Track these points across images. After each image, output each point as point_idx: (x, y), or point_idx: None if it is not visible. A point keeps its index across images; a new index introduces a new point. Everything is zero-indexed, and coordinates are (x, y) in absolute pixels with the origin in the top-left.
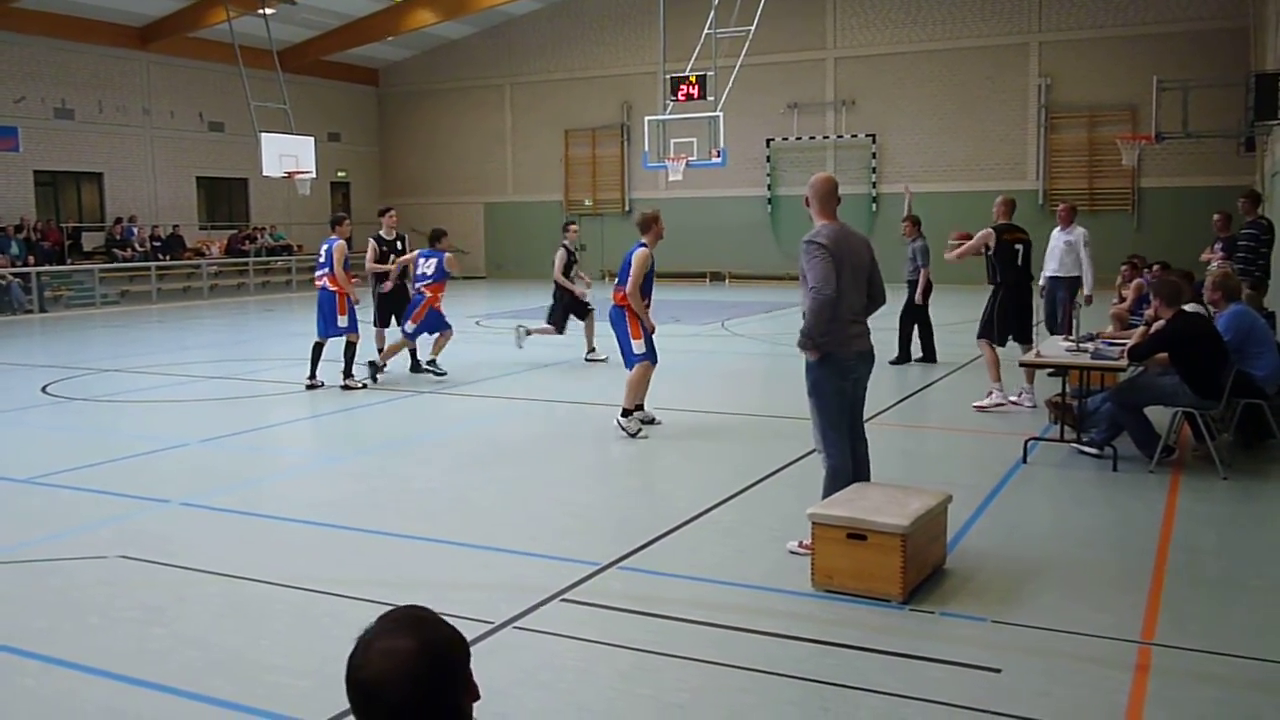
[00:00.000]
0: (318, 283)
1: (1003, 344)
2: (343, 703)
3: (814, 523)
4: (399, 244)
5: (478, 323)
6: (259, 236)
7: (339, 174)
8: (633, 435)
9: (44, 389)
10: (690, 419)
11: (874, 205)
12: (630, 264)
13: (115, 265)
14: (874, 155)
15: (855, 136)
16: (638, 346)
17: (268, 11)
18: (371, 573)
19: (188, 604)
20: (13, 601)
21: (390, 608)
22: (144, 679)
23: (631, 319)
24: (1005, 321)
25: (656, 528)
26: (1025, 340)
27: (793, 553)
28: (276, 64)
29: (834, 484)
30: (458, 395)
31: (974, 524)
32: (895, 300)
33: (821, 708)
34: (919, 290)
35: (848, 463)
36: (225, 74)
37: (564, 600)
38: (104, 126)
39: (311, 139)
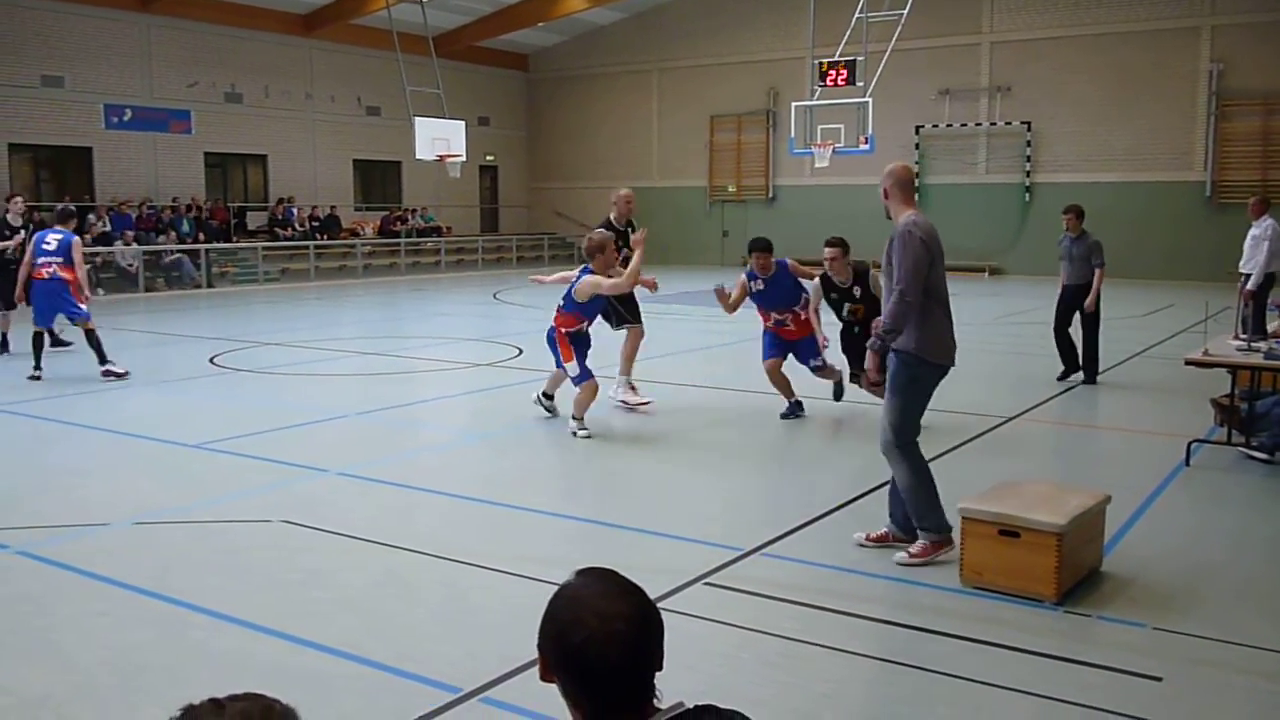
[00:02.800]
0: (45, 271)
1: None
2: (492, 671)
3: (964, 518)
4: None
5: None
6: (410, 218)
7: (487, 158)
8: (581, 435)
9: (211, 360)
10: (837, 407)
11: (1027, 195)
12: (574, 288)
13: (277, 244)
14: (1028, 144)
15: (1009, 124)
16: (571, 369)
17: None
18: (518, 549)
19: (346, 570)
20: (185, 560)
21: (569, 574)
22: (307, 639)
23: (562, 342)
24: None
25: (801, 515)
26: None
27: (861, 545)
28: (431, 49)
29: (920, 483)
30: (602, 377)
31: (1133, 526)
32: (1032, 299)
33: (975, 706)
34: (1093, 294)
35: (924, 460)
36: (382, 60)
37: (708, 584)
38: (269, 111)
39: (462, 123)
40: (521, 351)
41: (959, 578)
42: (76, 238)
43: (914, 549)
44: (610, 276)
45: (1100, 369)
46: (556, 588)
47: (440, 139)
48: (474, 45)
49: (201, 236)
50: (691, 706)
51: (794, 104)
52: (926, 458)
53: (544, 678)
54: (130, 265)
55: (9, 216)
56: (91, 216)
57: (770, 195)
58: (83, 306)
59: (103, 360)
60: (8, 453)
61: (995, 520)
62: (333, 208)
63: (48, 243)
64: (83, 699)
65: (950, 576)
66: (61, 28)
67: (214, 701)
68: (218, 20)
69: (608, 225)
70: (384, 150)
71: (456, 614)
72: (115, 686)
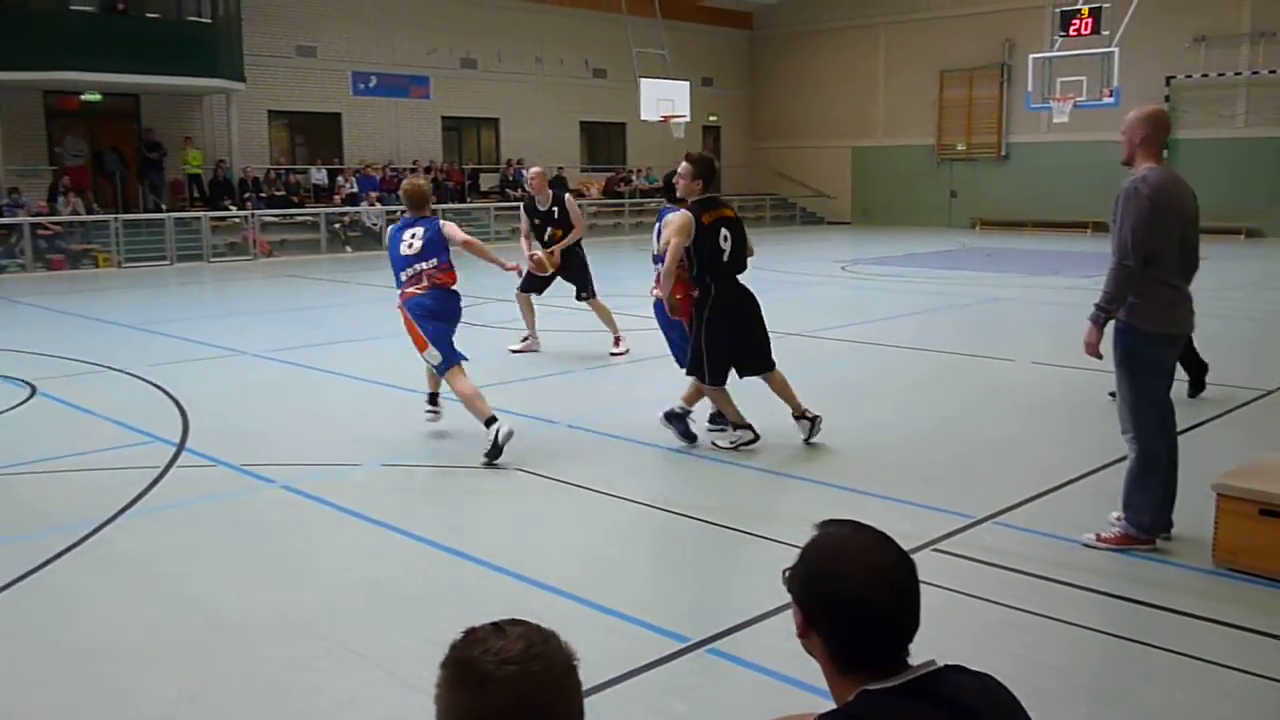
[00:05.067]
0: None
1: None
2: (721, 623)
3: (1219, 494)
4: None
5: (843, 268)
6: (634, 178)
7: (710, 118)
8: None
9: None
10: (1076, 375)
11: None
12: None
13: (507, 204)
14: None
15: (1273, 73)
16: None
17: None
18: (734, 503)
19: (577, 518)
20: (429, 501)
21: (811, 529)
22: (539, 580)
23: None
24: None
25: (1037, 485)
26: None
27: (1088, 545)
28: (657, 10)
29: (1145, 473)
30: (819, 339)
31: None
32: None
33: (1221, 693)
34: None
35: (1164, 447)
36: (609, 22)
37: (935, 550)
38: (501, 75)
39: (687, 83)
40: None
41: (1210, 558)
42: None
43: (1107, 533)
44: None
45: None
46: (809, 541)
47: (665, 100)
48: (699, 5)
49: (438, 197)
50: (942, 665)
51: (1031, 56)
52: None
53: (802, 634)
54: (374, 225)
55: None
56: (340, 178)
57: (1003, 153)
58: None
59: None
60: (275, 396)
61: (1257, 499)
62: (560, 168)
63: None
64: (340, 623)
65: (1200, 555)
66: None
67: (495, 625)
68: None
69: (529, 204)
70: (610, 112)
71: (684, 566)
72: (367, 613)
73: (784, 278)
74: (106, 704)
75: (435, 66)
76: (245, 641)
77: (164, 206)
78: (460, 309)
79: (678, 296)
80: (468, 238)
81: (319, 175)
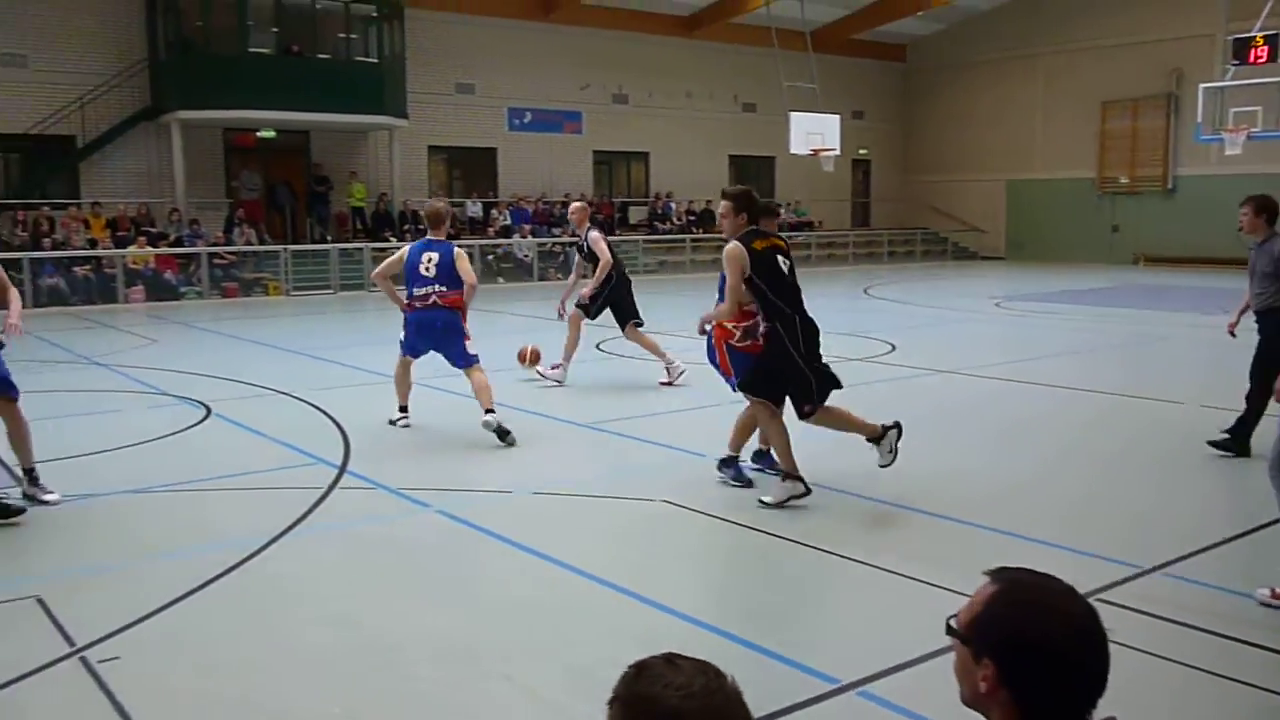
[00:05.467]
0: None
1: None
2: (869, 667)
3: None
4: None
5: (997, 304)
6: (781, 212)
7: (860, 151)
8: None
9: (598, 346)
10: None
11: None
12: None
13: (656, 237)
14: None
15: None
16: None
17: None
18: (894, 546)
19: (720, 551)
20: (576, 529)
21: (983, 582)
22: (680, 610)
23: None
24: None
25: (1209, 535)
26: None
27: (1264, 604)
28: (809, 44)
29: None
30: (976, 376)
31: None
32: None
33: None
34: None
35: None
36: (759, 56)
37: (1100, 599)
38: (652, 110)
39: (837, 117)
40: (894, 347)
41: None
42: None
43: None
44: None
45: None
46: (995, 591)
47: (814, 133)
48: (851, 38)
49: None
50: None
51: (1202, 86)
52: None
53: (990, 690)
54: (526, 256)
55: None
56: (494, 211)
57: (1169, 186)
58: None
59: None
60: (430, 422)
61: None
62: (708, 202)
63: None
64: (491, 646)
65: None
66: (473, 39)
67: (665, 659)
68: (608, 25)
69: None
70: (758, 145)
71: (832, 605)
72: (517, 637)
73: (938, 314)
74: (267, 718)
75: (588, 102)
76: (400, 661)
77: (329, 238)
78: (454, 325)
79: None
80: (473, 282)
81: (474, 208)
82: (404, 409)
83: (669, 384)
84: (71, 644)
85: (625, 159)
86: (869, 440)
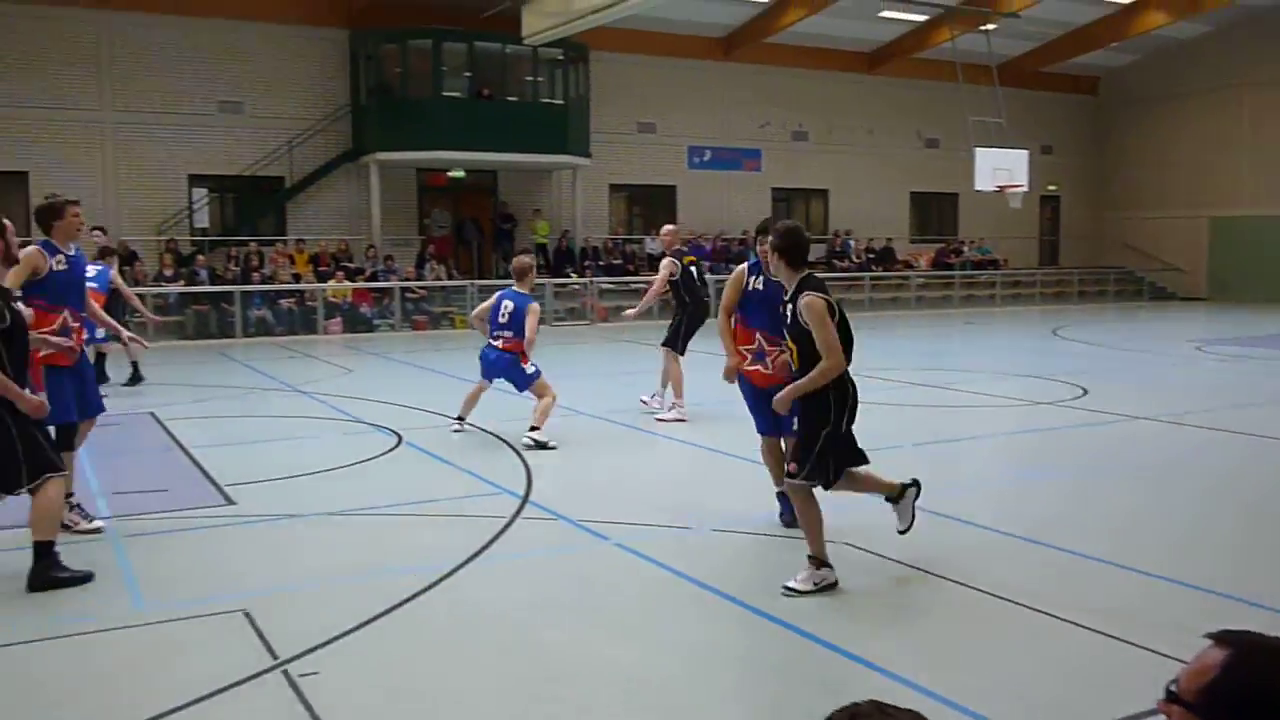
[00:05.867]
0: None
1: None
2: None
3: None
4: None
5: (1198, 348)
6: (965, 250)
7: (1049, 187)
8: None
9: None
10: None
11: None
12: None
13: (834, 275)
14: None
15: None
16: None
17: (989, 27)
18: (1077, 598)
19: (921, 600)
20: (759, 567)
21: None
22: (864, 656)
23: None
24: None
25: None
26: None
27: None
28: (995, 78)
29: None
30: (1179, 425)
31: None
32: None
33: None
34: None
35: None
36: (941, 91)
37: None
38: (831, 147)
39: (1025, 152)
40: (1086, 392)
41: None
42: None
43: None
44: None
45: None
46: (1227, 656)
47: (1001, 169)
48: (1039, 71)
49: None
50: None
51: None
52: None
53: None
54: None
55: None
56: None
57: None
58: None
59: None
60: (610, 455)
61: None
62: (888, 240)
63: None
64: (667, 681)
65: None
66: (654, 79)
67: (876, 706)
68: (789, 63)
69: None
70: (941, 182)
71: (1033, 663)
72: (692, 674)
73: (1135, 357)
74: None
75: (767, 139)
76: (575, 694)
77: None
78: (515, 364)
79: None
80: (532, 339)
81: (653, 245)
82: (460, 419)
83: (653, 412)
84: (275, 657)
85: (804, 196)
86: (887, 499)
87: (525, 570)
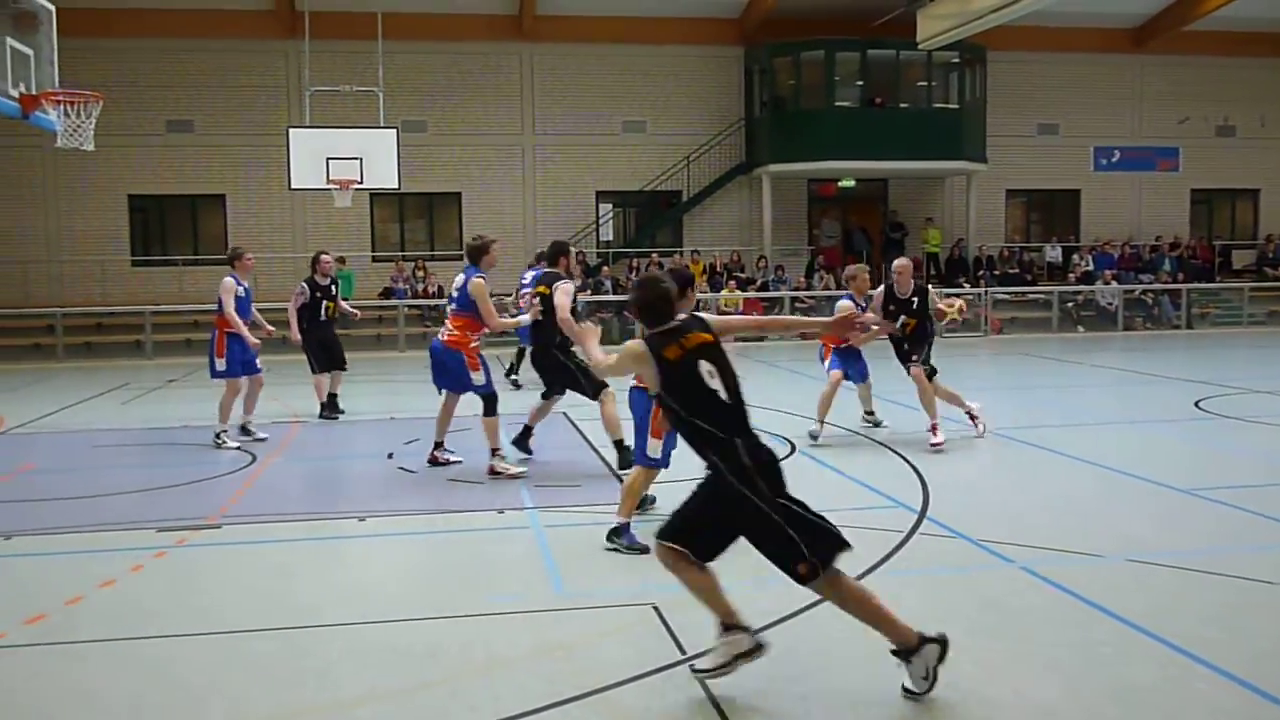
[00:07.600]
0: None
1: None
2: None
3: None
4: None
5: None
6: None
7: None
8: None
9: (1196, 404)
10: None
11: None
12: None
13: (1265, 284)
14: None
15: None
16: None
17: None
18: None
19: None
20: (1182, 606)
21: None
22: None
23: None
24: None
25: None
26: None
27: None
28: None
29: None
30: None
31: None
32: None
33: None
34: None
35: None
36: None
37: None
38: (1265, 141)
39: None
40: None
41: None
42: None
43: None
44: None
45: None
46: None
47: None
48: None
49: (1182, 276)
50: None
51: None
52: None
53: None
54: (1110, 304)
55: (316, 277)
56: (1075, 256)
57: None
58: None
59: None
60: (1011, 473)
61: None
62: None
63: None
64: None
65: None
66: (1057, 77)
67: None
68: (1211, 51)
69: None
70: None
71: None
72: (1118, 716)
73: None
74: None
75: (1186, 136)
76: None
77: None
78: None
79: None
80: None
81: (1053, 253)
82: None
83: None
84: (683, 652)
85: (1228, 197)
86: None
87: (924, 587)
